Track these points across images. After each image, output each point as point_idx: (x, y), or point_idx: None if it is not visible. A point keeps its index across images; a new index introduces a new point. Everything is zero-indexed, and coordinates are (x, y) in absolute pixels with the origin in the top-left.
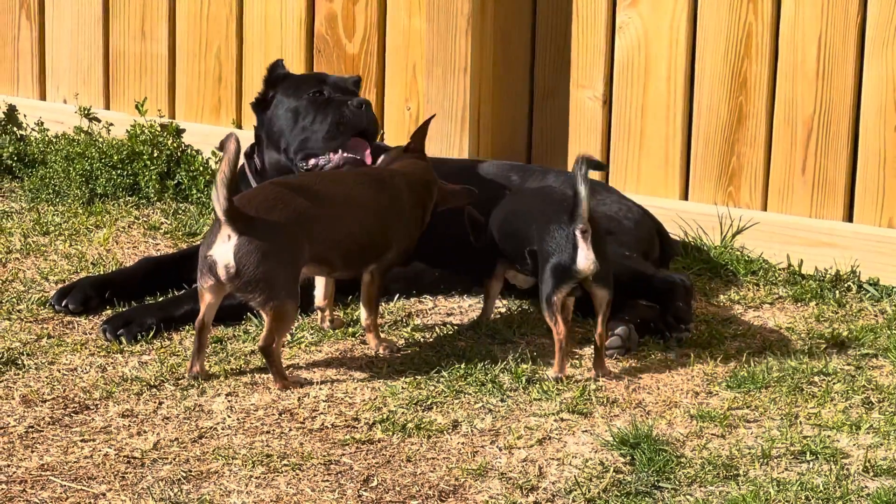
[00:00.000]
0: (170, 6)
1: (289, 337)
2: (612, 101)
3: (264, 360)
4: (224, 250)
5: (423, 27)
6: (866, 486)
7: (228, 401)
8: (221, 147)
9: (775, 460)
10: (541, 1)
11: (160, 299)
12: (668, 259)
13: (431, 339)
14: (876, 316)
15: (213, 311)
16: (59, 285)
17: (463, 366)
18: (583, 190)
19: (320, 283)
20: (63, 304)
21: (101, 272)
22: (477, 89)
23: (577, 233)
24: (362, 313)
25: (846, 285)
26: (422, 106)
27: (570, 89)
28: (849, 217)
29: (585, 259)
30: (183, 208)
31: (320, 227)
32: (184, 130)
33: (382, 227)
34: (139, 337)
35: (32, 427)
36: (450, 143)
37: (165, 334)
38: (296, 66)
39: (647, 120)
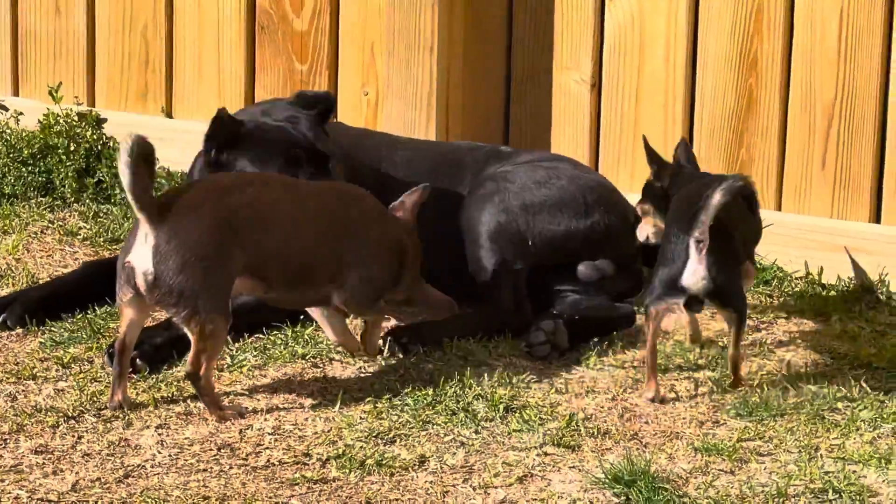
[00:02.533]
0: None
1: (229, 360)
2: (602, 85)
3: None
4: (142, 253)
5: (382, 1)
6: None
7: (159, 434)
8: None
9: (792, 499)
10: None
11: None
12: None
13: (394, 362)
14: None
15: (136, 331)
16: None
17: (431, 392)
18: (718, 197)
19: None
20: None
21: (11, 283)
22: (445, 72)
23: (692, 242)
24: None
25: (873, 296)
26: (381, 90)
27: (554, 71)
28: (876, 218)
29: (693, 274)
30: (104, 210)
31: (256, 234)
32: (105, 120)
33: (331, 246)
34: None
35: None
36: (414, 132)
37: (85, 357)
38: (236, 47)
39: (642, 106)
